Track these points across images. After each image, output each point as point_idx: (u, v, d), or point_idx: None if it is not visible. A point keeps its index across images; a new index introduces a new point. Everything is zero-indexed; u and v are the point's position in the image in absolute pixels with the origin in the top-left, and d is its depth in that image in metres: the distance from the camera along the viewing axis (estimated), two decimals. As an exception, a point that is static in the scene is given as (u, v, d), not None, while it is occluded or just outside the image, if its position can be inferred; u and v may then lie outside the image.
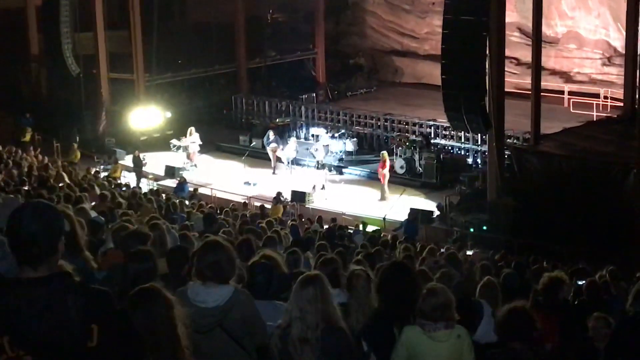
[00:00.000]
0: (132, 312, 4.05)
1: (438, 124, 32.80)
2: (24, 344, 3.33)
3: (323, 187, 29.72)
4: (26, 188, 17.29)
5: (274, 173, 32.33)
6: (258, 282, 5.89)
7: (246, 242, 8.57)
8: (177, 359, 4.08)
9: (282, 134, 33.70)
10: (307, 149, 33.26)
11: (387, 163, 29.16)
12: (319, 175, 31.01)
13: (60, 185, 19.01)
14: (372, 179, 30.91)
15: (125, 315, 3.73)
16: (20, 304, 3.36)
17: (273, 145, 32.45)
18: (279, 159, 32.42)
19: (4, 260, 4.88)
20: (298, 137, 34.30)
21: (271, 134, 32.79)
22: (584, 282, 12.09)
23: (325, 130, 34.34)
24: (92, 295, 3.53)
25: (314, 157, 32.29)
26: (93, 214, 11.65)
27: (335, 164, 32.47)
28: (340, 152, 33.05)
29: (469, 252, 19.56)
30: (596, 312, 8.41)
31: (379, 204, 28.39)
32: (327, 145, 33.14)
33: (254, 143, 34.15)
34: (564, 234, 22.85)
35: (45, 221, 3.52)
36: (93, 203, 15.19)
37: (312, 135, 34.51)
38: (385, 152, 29.97)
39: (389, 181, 29.37)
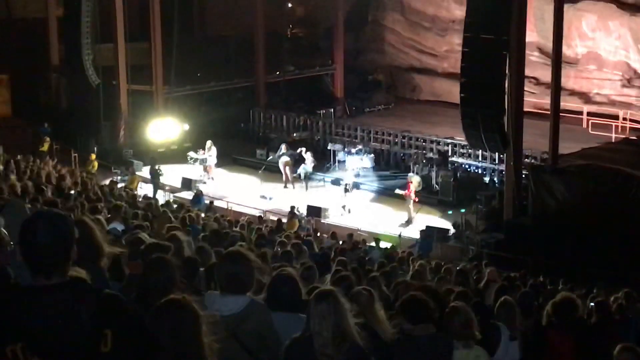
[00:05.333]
0: (158, 323, 4.03)
1: (455, 141, 32.75)
2: (38, 350, 3.35)
3: (348, 210, 29.59)
4: (43, 198, 17.31)
5: (285, 187, 32.37)
6: (283, 294, 5.86)
7: (262, 256, 8.55)
8: None
9: (297, 149, 33.61)
10: (326, 165, 33.36)
11: (413, 185, 28.99)
12: (345, 197, 30.67)
13: (75, 194, 19.06)
14: (389, 195, 30.87)
15: (139, 320, 3.74)
16: (33, 310, 3.39)
17: (285, 159, 32.47)
18: (293, 173, 32.39)
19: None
20: (315, 152, 34.26)
21: (283, 148, 32.83)
22: (592, 305, 12.02)
23: (343, 146, 34.39)
24: (105, 300, 3.56)
25: (342, 179, 31.84)
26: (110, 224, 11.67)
27: (352, 180, 32.40)
28: (357, 168, 33.04)
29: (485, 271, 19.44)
30: (611, 334, 8.36)
31: (398, 221, 28.36)
32: (344, 161, 33.20)
33: (270, 157, 34.19)
34: (581, 255, 22.74)
35: (59, 230, 3.55)
36: (109, 215, 15.19)
37: (329, 151, 34.58)
38: (412, 175, 29.92)
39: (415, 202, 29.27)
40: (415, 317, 5.97)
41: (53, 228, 3.54)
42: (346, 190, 30.87)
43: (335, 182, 32.45)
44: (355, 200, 30.55)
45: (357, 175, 32.76)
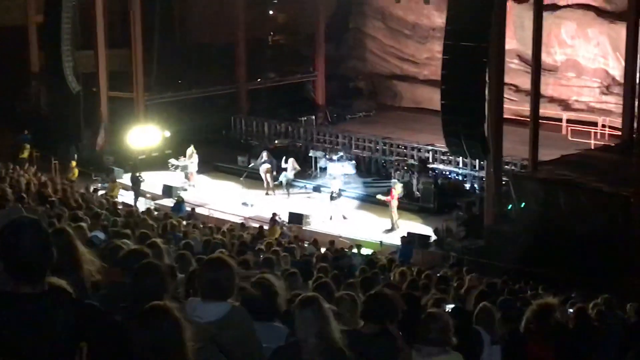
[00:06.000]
0: (140, 331, 4.01)
1: (436, 148, 32.84)
2: (11, 357, 3.35)
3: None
4: (23, 205, 17.22)
5: (267, 194, 32.35)
6: (256, 302, 5.87)
7: (243, 262, 8.58)
8: None
9: (281, 157, 33.66)
10: (308, 172, 33.37)
11: (396, 192, 29.00)
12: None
13: (56, 202, 18.98)
14: (370, 202, 30.95)
15: (118, 331, 3.74)
16: (10, 317, 3.39)
17: (266, 166, 32.46)
18: (274, 180, 32.38)
19: None
20: (297, 159, 34.26)
21: (264, 155, 32.81)
22: (571, 310, 12.07)
23: (324, 153, 34.43)
24: (84, 311, 3.57)
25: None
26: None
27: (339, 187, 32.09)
28: (340, 174, 33.05)
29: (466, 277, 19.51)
30: (590, 341, 8.42)
31: (379, 228, 28.40)
32: (325, 168, 33.21)
33: (252, 164, 34.18)
34: (561, 261, 22.85)
35: (40, 239, 3.57)
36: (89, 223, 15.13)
37: (310, 157, 34.63)
38: (395, 181, 29.99)
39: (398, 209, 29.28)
40: (368, 314, 6.00)
41: (35, 236, 3.55)
42: (332, 198, 30.79)
43: (317, 189, 32.48)
44: (341, 207, 30.49)
45: (345, 183, 32.78)
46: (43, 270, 3.54)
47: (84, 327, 3.49)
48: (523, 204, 25.92)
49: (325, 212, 29.83)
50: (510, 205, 26.43)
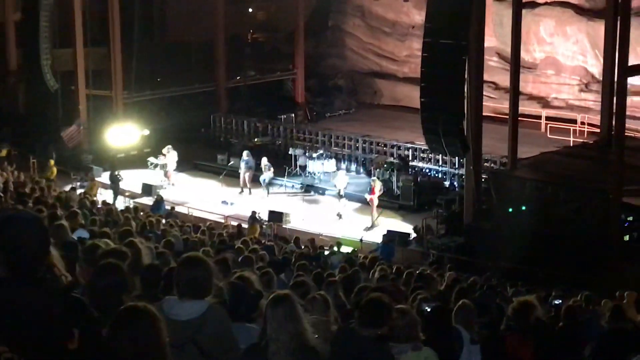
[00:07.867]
0: (119, 332, 3.94)
1: (416, 146, 32.88)
2: (7, 341, 3.42)
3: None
4: (2, 205, 17.08)
5: (240, 192, 32.16)
6: (228, 302, 5.84)
7: (223, 261, 8.54)
8: None
9: (260, 154, 33.54)
10: (288, 170, 33.45)
11: (376, 189, 29.01)
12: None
13: (35, 201, 18.85)
14: (350, 199, 30.90)
15: (99, 325, 3.86)
16: (6, 302, 3.49)
17: (246, 165, 32.27)
18: (252, 180, 32.22)
19: None
20: (276, 157, 34.14)
21: (245, 155, 32.63)
22: (559, 302, 12.10)
23: (304, 151, 34.37)
24: (74, 301, 3.74)
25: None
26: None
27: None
28: (319, 172, 33.01)
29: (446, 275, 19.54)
30: (570, 337, 8.43)
31: (360, 226, 28.38)
32: (305, 166, 33.15)
33: (231, 162, 34.08)
34: (540, 258, 22.92)
35: (38, 230, 3.71)
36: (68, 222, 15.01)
37: (290, 155, 34.57)
38: (375, 179, 30.00)
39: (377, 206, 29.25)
40: (365, 321, 5.92)
41: (33, 227, 3.70)
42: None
43: (307, 189, 32.38)
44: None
45: (320, 180, 32.75)
46: (41, 262, 3.68)
47: (75, 316, 3.63)
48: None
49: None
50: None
